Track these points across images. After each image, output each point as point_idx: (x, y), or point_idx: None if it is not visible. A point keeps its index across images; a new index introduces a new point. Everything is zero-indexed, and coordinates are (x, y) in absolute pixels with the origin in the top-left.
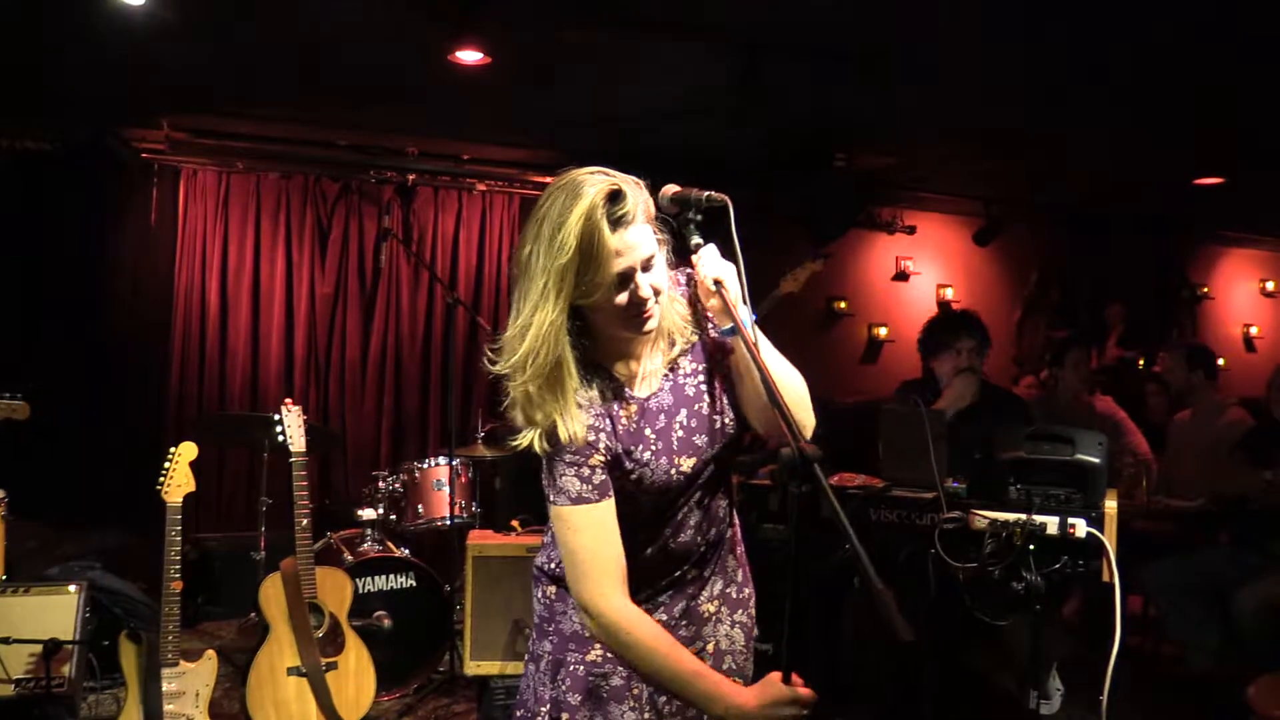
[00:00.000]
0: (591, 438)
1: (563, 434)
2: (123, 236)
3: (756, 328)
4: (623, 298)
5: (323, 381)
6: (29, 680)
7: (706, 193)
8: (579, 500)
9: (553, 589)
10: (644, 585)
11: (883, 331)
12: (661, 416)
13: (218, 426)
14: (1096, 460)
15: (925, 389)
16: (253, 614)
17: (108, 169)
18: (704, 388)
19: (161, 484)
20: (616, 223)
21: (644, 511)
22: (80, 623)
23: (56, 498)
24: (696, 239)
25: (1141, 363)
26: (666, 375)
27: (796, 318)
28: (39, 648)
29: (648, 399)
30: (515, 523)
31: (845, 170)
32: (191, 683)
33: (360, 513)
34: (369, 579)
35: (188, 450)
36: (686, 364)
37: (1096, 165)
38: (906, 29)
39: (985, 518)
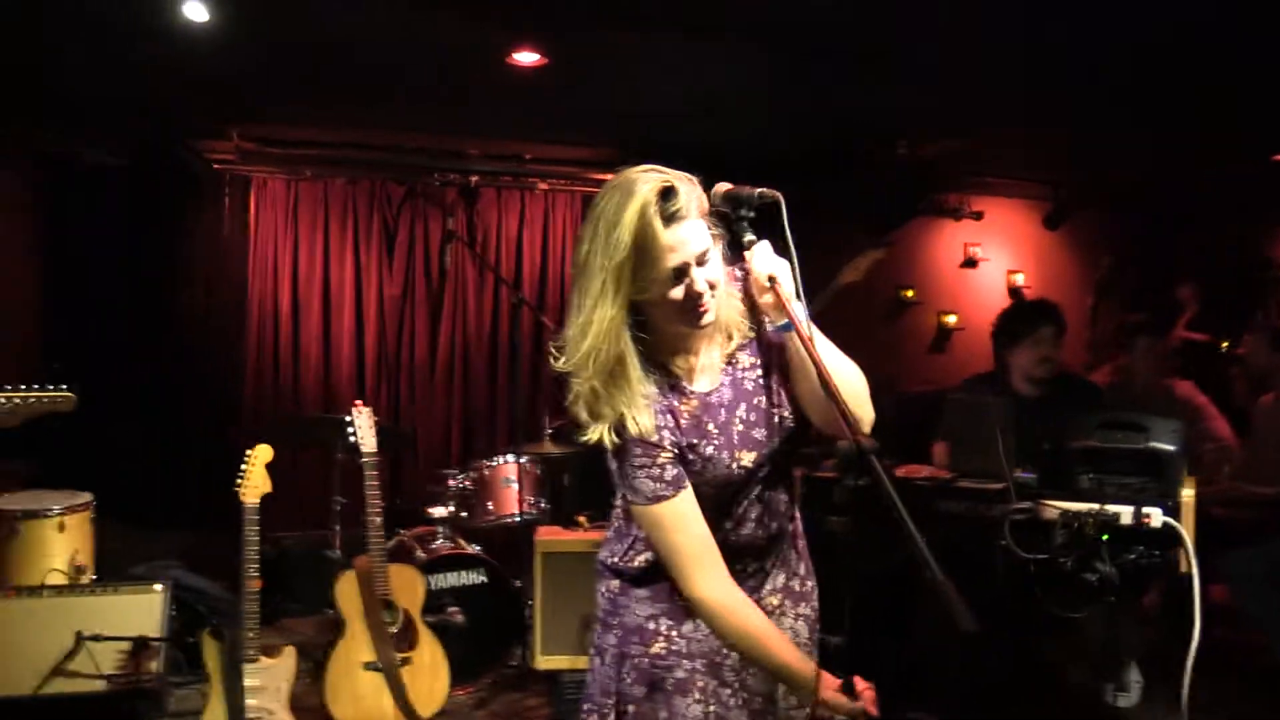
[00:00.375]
0: (657, 435)
1: (631, 427)
2: (197, 245)
3: (812, 322)
4: (678, 292)
5: (393, 382)
6: (119, 676)
7: (758, 190)
8: (656, 498)
9: (616, 583)
10: None
11: (952, 319)
12: (722, 411)
13: (291, 428)
14: (1172, 448)
15: (994, 382)
16: (329, 610)
17: (181, 181)
18: (762, 382)
19: (239, 485)
20: (670, 219)
21: (705, 506)
22: (166, 620)
23: (140, 500)
24: (750, 236)
25: (1226, 346)
26: (725, 369)
27: (864, 307)
28: (128, 644)
29: (708, 394)
30: (582, 518)
31: (907, 157)
32: (273, 678)
33: (431, 510)
34: (441, 575)
35: (264, 453)
36: (745, 358)
37: (1168, 143)
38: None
39: (1056, 508)
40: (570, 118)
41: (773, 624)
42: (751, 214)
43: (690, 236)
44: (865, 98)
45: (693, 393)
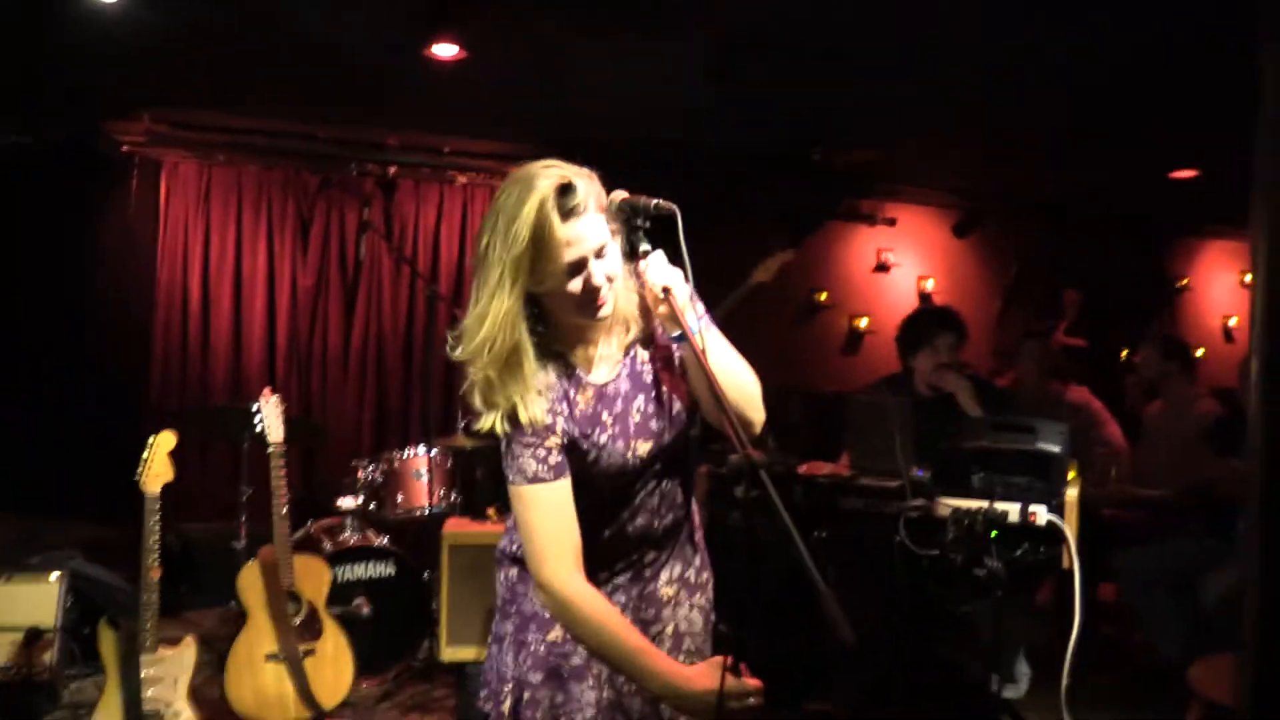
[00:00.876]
0: (549, 420)
1: (522, 417)
2: (103, 229)
3: (710, 325)
4: (576, 285)
5: (305, 373)
6: (11, 667)
7: (655, 200)
8: (535, 479)
9: (514, 570)
10: (601, 568)
11: (863, 323)
12: (619, 401)
13: (197, 418)
14: (1057, 449)
15: (899, 385)
16: (233, 602)
17: (88, 162)
18: (661, 372)
19: (140, 474)
20: (568, 214)
21: (602, 495)
22: (61, 610)
23: (39, 490)
24: (645, 245)
25: (1125, 353)
26: (623, 361)
27: (778, 308)
28: (21, 635)
29: (605, 384)
30: (491, 510)
31: (823, 164)
32: (171, 669)
33: (340, 502)
34: (348, 567)
35: (166, 440)
36: (643, 351)
37: (1073, 159)
38: (884, 24)
39: (948, 505)
40: (489, 112)
41: (625, 618)
42: (647, 224)
43: (588, 232)
44: (783, 102)
45: (589, 383)
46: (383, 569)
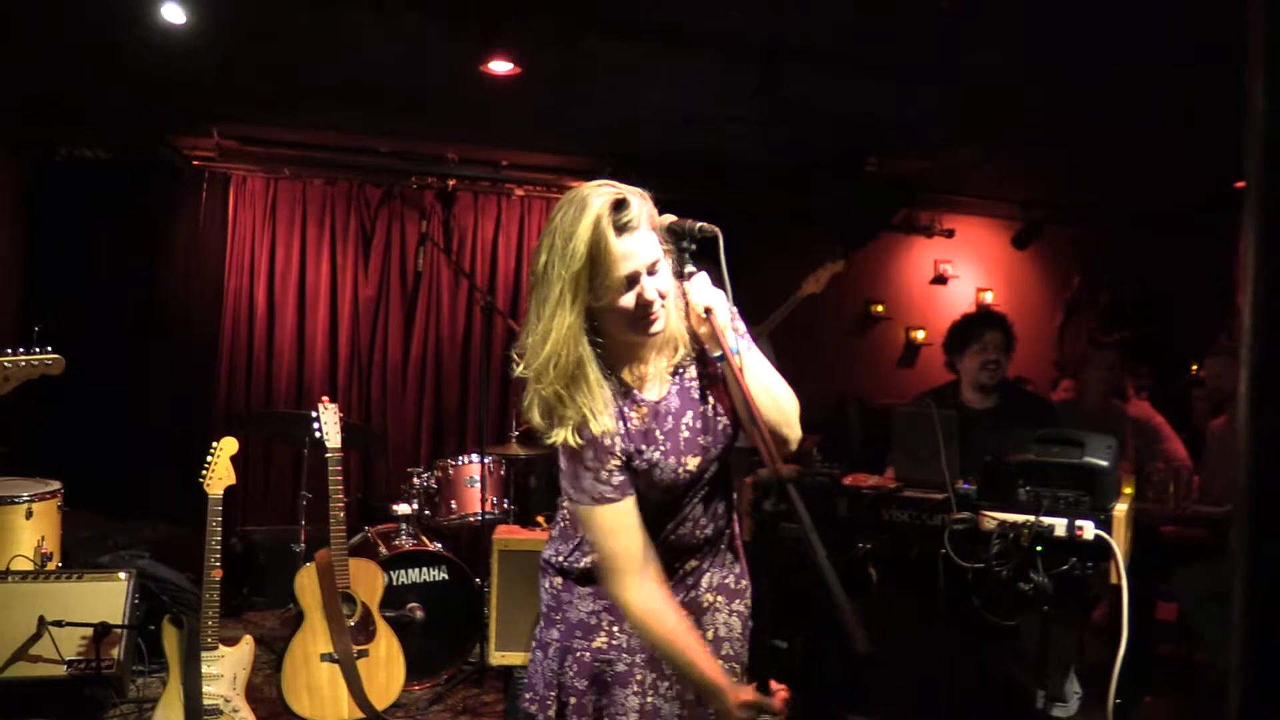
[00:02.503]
0: (611, 439)
1: (594, 426)
2: (175, 241)
3: (751, 343)
4: (629, 299)
5: (365, 381)
6: (80, 661)
7: (699, 224)
8: (601, 500)
9: (559, 579)
10: None
11: (920, 335)
12: (670, 418)
13: (261, 423)
14: (1105, 463)
15: (948, 395)
16: (290, 604)
17: (160, 176)
18: (707, 389)
19: (204, 477)
20: (622, 229)
21: (651, 508)
22: (129, 608)
23: (110, 491)
24: (690, 268)
25: (1196, 368)
26: (673, 379)
27: (834, 320)
28: (90, 631)
29: (657, 402)
30: (541, 518)
31: (878, 174)
32: (229, 666)
33: (395, 508)
34: (402, 571)
35: (228, 445)
36: (691, 368)
37: (1135, 166)
38: (938, 32)
39: (994, 519)
40: (544, 126)
41: (694, 633)
42: (693, 246)
43: (640, 247)
44: (836, 113)
45: (643, 400)
46: (436, 574)
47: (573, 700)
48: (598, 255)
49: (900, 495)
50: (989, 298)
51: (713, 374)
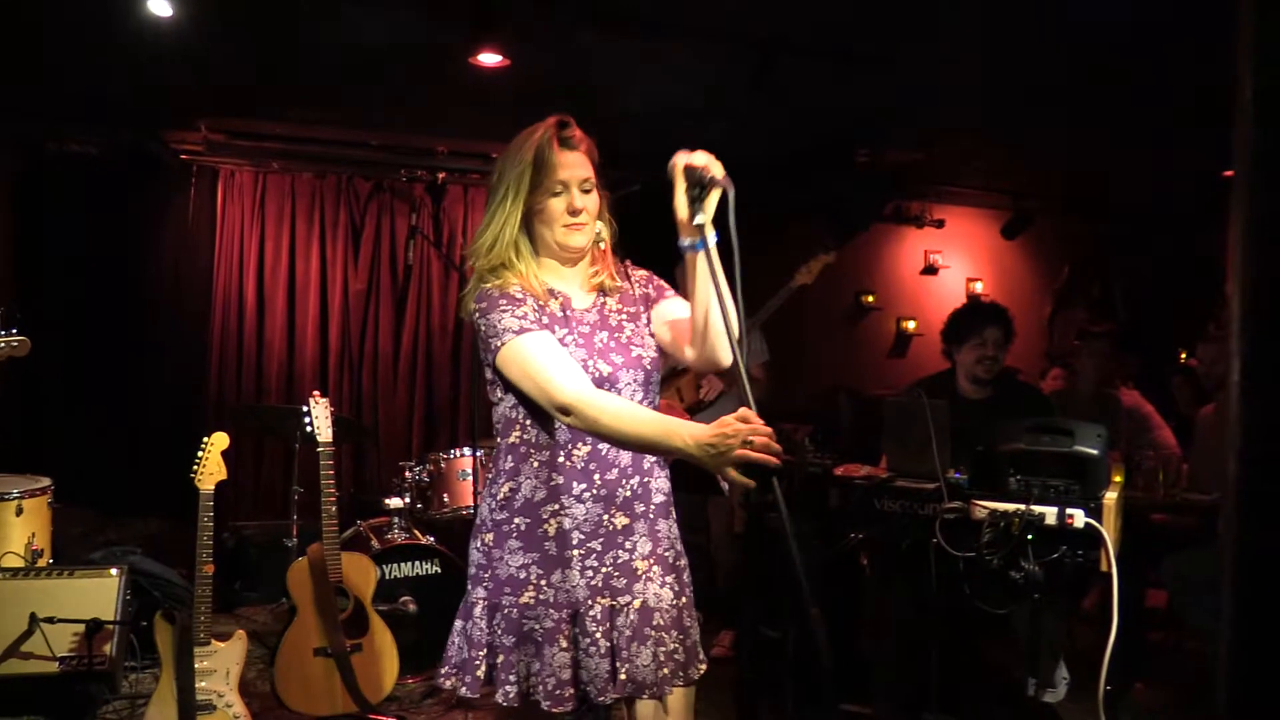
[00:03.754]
0: (525, 306)
1: (514, 291)
2: (163, 235)
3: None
4: (560, 204)
5: (356, 374)
6: (72, 658)
7: (711, 175)
8: (522, 331)
9: (490, 536)
10: (579, 530)
11: (911, 325)
12: (586, 326)
13: (251, 417)
14: (1095, 452)
15: (943, 383)
16: (283, 598)
17: (148, 170)
18: (625, 323)
19: (195, 472)
20: (563, 142)
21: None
22: (121, 604)
23: (101, 487)
24: (701, 216)
25: (1184, 356)
26: (594, 304)
27: (826, 311)
28: (82, 627)
29: (575, 307)
30: None
31: (869, 166)
32: (222, 661)
33: (388, 501)
34: (395, 565)
35: (219, 440)
36: (613, 303)
37: (1123, 157)
38: (928, 25)
39: (985, 508)
40: (535, 119)
41: (641, 406)
42: (699, 192)
43: (577, 162)
44: (826, 105)
45: (563, 293)
46: (428, 567)
47: (500, 658)
48: (539, 160)
49: (892, 485)
50: (979, 287)
51: (630, 314)
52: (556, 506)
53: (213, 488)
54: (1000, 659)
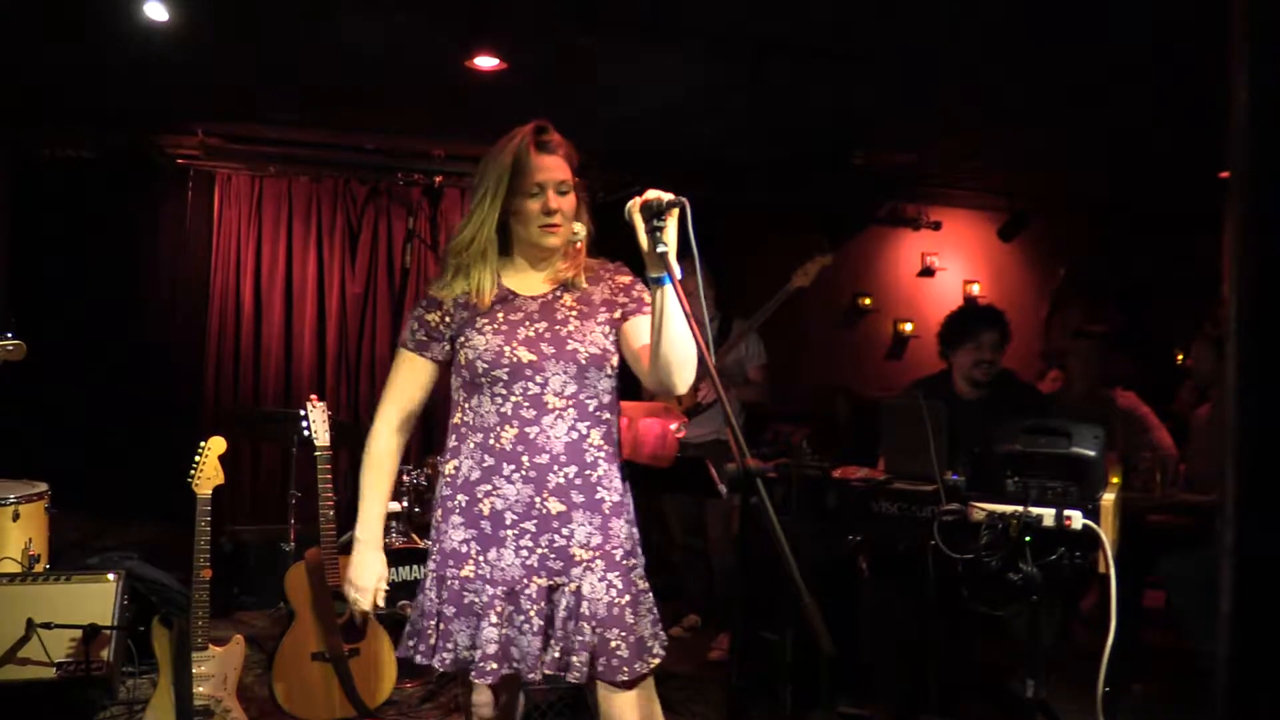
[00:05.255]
0: (443, 304)
1: (443, 292)
2: (160, 239)
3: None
4: (535, 204)
5: (354, 378)
6: (70, 663)
7: (667, 198)
8: (403, 345)
9: (439, 511)
10: (511, 511)
11: (908, 327)
12: (519, 313)
13: (249, 422)
14: (1092, 453)
15: (939, 384)
16: (281, 603)
17: (145, 175)
18: (573, 318)
19: (192, 477)
20: (540, 146)
21: (496, 384)
22: (118, 609)
23: (98, 491)
24: (662, 247)
25: (1181, 357)
26: (546, 294)
27: (822, 313)
28: (79, 632)
29: (521, 295)
30: None
31: (863, 168)
32: (220, 666)
33: None
34: (393, 569)
35: (216, 444)
36: (569, 299)
37: (1121, 158)
38: (920, 27)
39: (982, 509)
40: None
41: (387, 480)
42: (663, 223)
43: (554, 165)
44: (824, 107)
45: (506, 289)
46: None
47: (443, 627)
48: (518, 162)
49: (889, 487)
50: (975, 289)
51: (582, 311)
52: (489, 487)
53: (210, 492)
54: (998, 660)
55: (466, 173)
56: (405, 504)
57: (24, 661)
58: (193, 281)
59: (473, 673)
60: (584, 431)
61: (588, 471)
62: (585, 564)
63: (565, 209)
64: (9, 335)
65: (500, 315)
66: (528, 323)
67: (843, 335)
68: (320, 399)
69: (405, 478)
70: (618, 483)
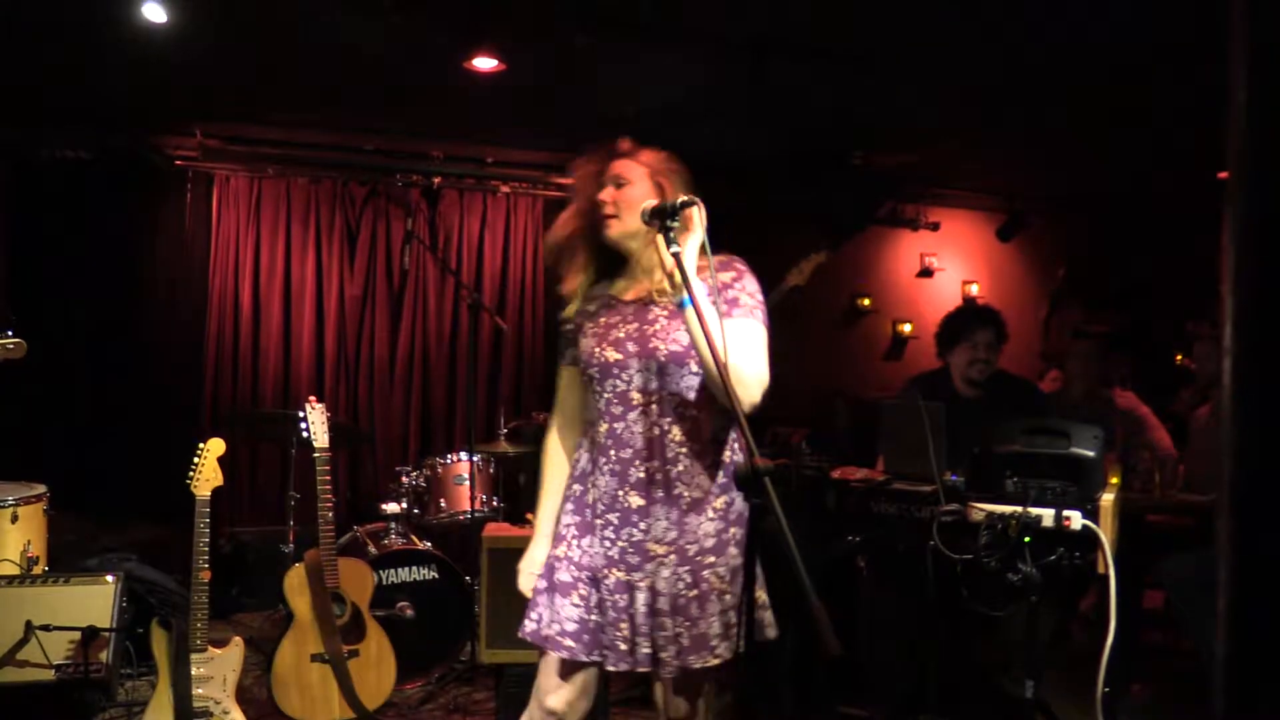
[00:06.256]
0: (574, 313)
1: (570, 305)
2: (159, 240)
3: (730, 309)
4: (597, 195)
5: (352, 380)
6: (68, 665)
7: (680, 198)
8: (560, 359)
9: (567, 501)
10: (601, 502)
11: (907, 328)
12: (616, 315)
13: (247, 423)
14: (1091, 454)
15: (938, 381)
16: (280, 605)
17: (144, 176)
18: (662, 317)
19: (191, 478)
20: (609, 154)
21: (592, 382)
22: (117, 611)
23: (97, 493)
24: (675, 247)
25: (1180, 357)
26: (640, 303)
27: (821, 313)
28: (78, 635)
29: (614, 298)
30: (530, 515)
31: (862, 168)
32: (219, 668)
33: (384, 507)
34: (392, 570)
35: (215, 446)
36: (659, 312)
37: (1120, 158)
38: (920, 27)
39: (982, 510)
40: (529, 123)
41: (554, 476)
42: (677, 223)
43: (619, 167)
44: (823, 107)
45: (611, 296)
46: (425, 573)
47: (535, 597)
48: (595, 167)
49: (889, 488)
50: (974, 290)
51: (672, 311)
52: (594, 478)
53: (209, 494)
54: (998, 661)
55: (465, 174)
56: (404, 505)
57: (22, 664)
58: (191, 283)
59: (548, 645)
60: (665, 427)
61: (668, 467)
62: (659, 559)
63: (621, 200)
64: (9, 334)
65: (602, 319)
66: (622, 324)
67: (842, 336)
68: (319, 400)
69: (404, 479)
70: (701, 479)
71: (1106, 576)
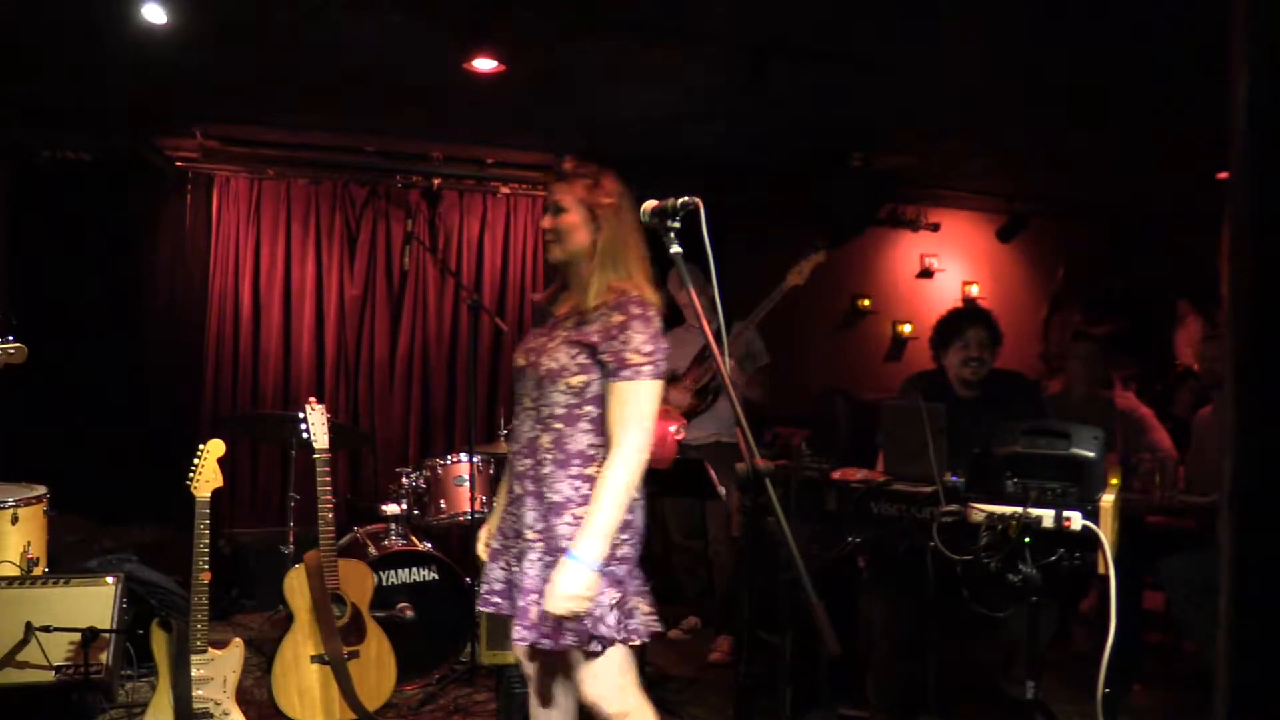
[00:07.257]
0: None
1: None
2: (159, 242)
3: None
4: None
5: (353, 381)
6: (68, 667)
7: (680, 199)
8: None
9: None
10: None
11: (907, 329)
12: (542, 327)
13: (247, 425)
14: (1092, 454)
15: (935, 380)
16: (280, 606)
17: (144, 177)
18: (557, 336)
19: (191, 479)
20: (555, 175)
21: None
22: (117, 613)
23: (97, 494)
24: (676, 248)
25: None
26: (562, 318)
27: (821, 314)
28: (78, 636)
29: (552, 315)
30: None
31: (862, 169)
32: (219, 669)
33: (384, 508)
34: (392, 572)
35: (215, 447)
36: (574, 320)
37: (1120, 159)
38: (920, 29)
39: (982, 511)
40: (530, 125)
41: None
42: (677, 224)
43: (558, 194)
44: (823, 108)
45: (550, 308)
46: (425, 574)
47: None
48: (550, 183)
49: (889, 489)
50: (975, 291)
51: (566, 335)
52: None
53: (209, 495)
54: (998, 661)
55: (465, 175)
56: (404, 506)
57: (22, 665)
58: (192, 284)
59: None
60: (538, 434)
61: (538, 468)
62: (529, 543)
63: (557, 227)
64: (10, 338)
65: (535, 329)
66: (538, 335)
67: (842, 337)
68: (319, 401)
69: (404, 480)
70: (561, 485)
71: (1107, 577)
